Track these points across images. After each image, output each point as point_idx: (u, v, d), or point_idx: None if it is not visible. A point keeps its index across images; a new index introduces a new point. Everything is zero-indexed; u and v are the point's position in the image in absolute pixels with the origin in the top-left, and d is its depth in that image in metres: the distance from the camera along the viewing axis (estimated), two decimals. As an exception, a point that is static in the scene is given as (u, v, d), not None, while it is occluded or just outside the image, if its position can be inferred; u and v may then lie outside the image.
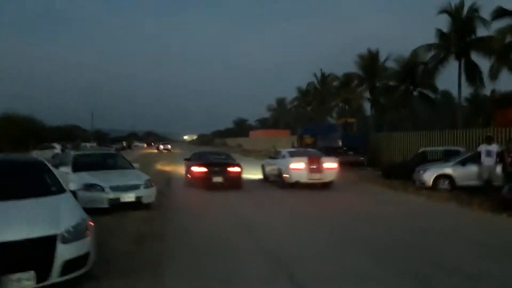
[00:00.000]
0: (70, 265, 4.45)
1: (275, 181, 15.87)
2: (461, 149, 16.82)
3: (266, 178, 17.66)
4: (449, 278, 5.31)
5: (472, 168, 13.11)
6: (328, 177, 14.66)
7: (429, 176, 13.89)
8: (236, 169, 14.81)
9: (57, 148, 29.20)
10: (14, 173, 5.92)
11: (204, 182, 14.23)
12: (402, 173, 16.74)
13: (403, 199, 12.70)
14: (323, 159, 14.88)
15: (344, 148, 24.47)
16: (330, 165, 14.78)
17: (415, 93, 33.97)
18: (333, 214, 10.10)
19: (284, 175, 14.85)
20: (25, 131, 49.01)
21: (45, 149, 31.96)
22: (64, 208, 5.09)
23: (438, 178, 13.75)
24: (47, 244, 4.36)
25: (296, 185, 14.51)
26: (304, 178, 14.36)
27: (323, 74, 51.54)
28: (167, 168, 24.69)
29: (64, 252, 4.42)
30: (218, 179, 14.23)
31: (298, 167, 14.41)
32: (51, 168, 6.23)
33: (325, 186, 14.93)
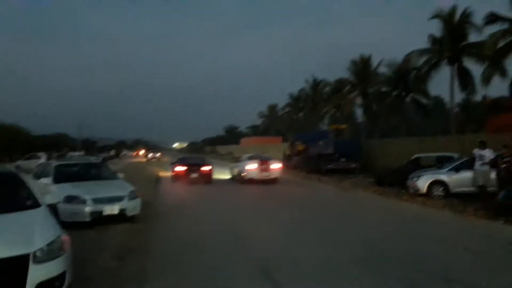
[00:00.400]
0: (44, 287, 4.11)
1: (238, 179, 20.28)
2: (454, 155, 16.60)
3: (232, 177, 22.08)
4: (443, 287, 5.12)
5: (466, 174, 12.90)
6: (273, 174, 19.50)
7: (423, 182, 13.65)
8: (207, 168, 19.98)
9: (42, 157, 28.35)
10: None
11: (184, 177, 19.35)
12: (395, 180, 16.53)
13: (396, 206, 12.48)
14: (271, 161, 19.67)
15: (336, 155, 24.19)
16: (276, 166, 19.74)
17: (407, 99, 33.88)
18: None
19: (242, 174, 19.61)
20: (11, 140, 47.95)
21: (31, 158, 30.96)
22: (38, 224, 4.72)
23: (432, 184, 13.52)
24: (18, 265, 4.01)
25: (251, 181, 18.94)
26: (256, 175, 19.06)
27: (315, 80, 51.44)
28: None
29: (37, 273, 4.07)
30: (194, 175, 19.39)
31: (252, 167, 19.26)
32: (25, 180, 5.82)
33: (273, 181, 19.35)
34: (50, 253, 4.27)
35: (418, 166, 16.51)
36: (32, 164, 21.08)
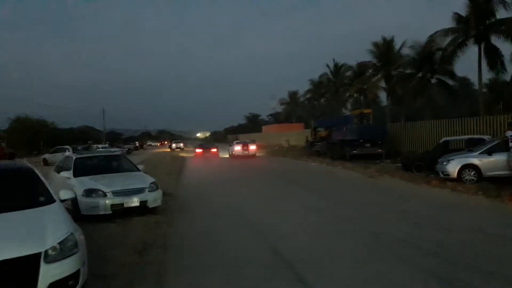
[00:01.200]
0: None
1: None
2: (485, 137, 15.90)
3: (229, 155, 34.83)
4: (486, 283, 4.71)
5: (500, 157, 12.34)
6: (251, 152, 32.70)
7: (453, 167, 13.09)
8: (214, 149, 36.86)
9: (68, 151, 28.56)
10: None
11: (201, 154, 35.79)
12: (423, 165, 16.00)
13: (425, 192, 11.97)
14: (250, 144, 33.28)
15: (361, 140, 23.58)
16: (253, 147, 33.08)
17: (432, 81, 32.80)
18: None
19: (232, 152, 33.54)
20: (38, 134, 49.11)
21: (57, 152, 31.28)
22: (51, 221, 4.53)
23: (463, 169, 12.96)
24: (28, 265, 3.85)
25: (237, 157, 32.18)
26: (240, 153, 32.37)
27: (336, 65, 50.19)
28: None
29: (49, 273, 3.90)
30: (207, 153, 36.12)
31: (237, 148, 32.85)
32: (40, 175, 5.63)
33: (251, 157, 32.35)
34: (62, 251, 4.11)
35: (447, 150, 15.92)
36: (58, 157, 21.16)
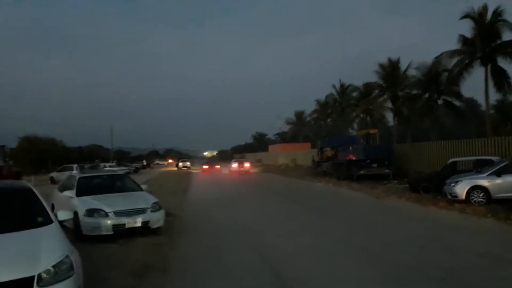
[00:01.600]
0: None
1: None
2: (494, 158, 15.67)
3: (229, 171, 42.84)
4: None
5: (509, 179, 12.11)
6: (246, 169, 41.33)
7: (461, 188, 12.83)
8: (218, 166, 52.21)
9: (75, 169, 28.63)
10: None
11: (207, 170, 47.98)
12: (430, 186, 15.73)
13: (433, 214, 11.72)
14: (245, 163, 43.37)
15: (368, 161, 23.38)
16: (247, 164, 42.74)
17: (439, 102, 32.70)
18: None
19: (230, 169, 43.22)
20: (46, 153, 49.39)
21: (64, 170, 31.37)
22: (46, 243, 4.43)
23: (471, 190, 12.66)
24: None
25: (234, 172, 40.57)
26: (236, 169, 41.39)
27: (342, 85, 50.32)
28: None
29: None
30: (212, 169, 49.39)
31: (234, 165, 42.81)
32: (39, 195, 5.53)
33: (246, 172, 40.68)
34: (57, 274, 3.99)
35: (455, 171, 15.69)
36: (65, 175, 21.22)
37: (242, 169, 41.07)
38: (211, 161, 73.38)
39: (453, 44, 28.37)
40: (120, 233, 8.53)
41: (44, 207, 5.34)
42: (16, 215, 5.15)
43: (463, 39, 27.70)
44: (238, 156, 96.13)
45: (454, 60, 28.50)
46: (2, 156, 18.56)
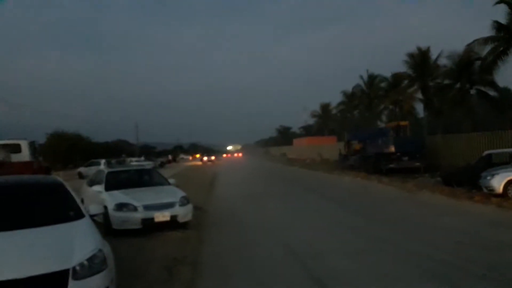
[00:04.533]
0: None
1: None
2: (532, 150, 15.01)
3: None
4: None
5: (549, 171, 11.53)
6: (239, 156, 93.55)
7: (498, 181, 12.32)
8: (239, 154, 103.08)
9: (102, 164, 29.11)
10: (27, 197, 5.31)
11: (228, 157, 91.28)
12: (464, 179, 15.21)
13: (468, 209, 11.27)
14: (238, 153, 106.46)
15: (398, 154, 22.82)
16: (240, 154, 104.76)
17: (472, 91, 31.61)
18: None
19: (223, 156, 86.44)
20: (74, 148, 50.57)
21: (91, 165, 31.97)
22: (79, 237, 4.46)
23: (509, 183, 12.18)
24: (56, 282, 3.76)
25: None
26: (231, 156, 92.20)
27: (370, 76, 49.27)
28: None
29: None
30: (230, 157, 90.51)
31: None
32: (70, 190, 5.57)
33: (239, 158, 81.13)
34: (91, 268, 4.02)
35: (491, 164, 15.09)
36: (93, 170, 21.66)
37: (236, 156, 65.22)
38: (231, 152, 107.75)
39: (485, 32, 27.32)
40: (149, 227, 8.52)
41: (75, 201, 5.38)
42: (48, 209, 5.17)
43: (498, 25, 26.60)
44: (261, 150, 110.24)
45: (488, 48, 27.42)
46: (32, 152, 18.97)
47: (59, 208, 5.20)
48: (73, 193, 5.55)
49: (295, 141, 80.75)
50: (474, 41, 28.19)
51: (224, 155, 66.27)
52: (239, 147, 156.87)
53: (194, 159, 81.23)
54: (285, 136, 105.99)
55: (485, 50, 27.70)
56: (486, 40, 27.36)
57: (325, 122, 70.92)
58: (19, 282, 3.59)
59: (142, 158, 50.81)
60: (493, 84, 30.28)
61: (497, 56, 26.82)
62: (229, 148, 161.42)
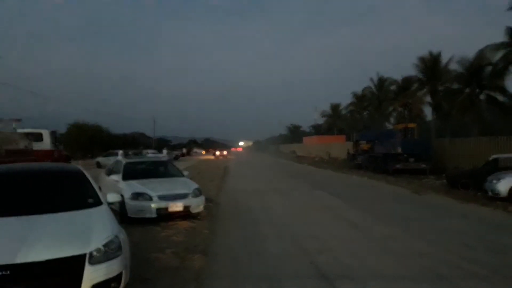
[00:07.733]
0: None
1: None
2: (539, 155, 15.15)
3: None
4: None
5: (555, 177, 11.70)
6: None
7: (504, 185, 12.53)
8: (231, 150, 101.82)
9: (119, 155, 29.91)
10: (48, 183, 5.51)
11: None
12: (470, 182, 15.40)
13: (474, 212, 11.37)
14: (238, 148, 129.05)
15: (405, 155, 23.04)
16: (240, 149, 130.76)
17: (481, 96, 31.61)
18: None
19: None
20: (93, 139, 51.73)
21: (109, 156, 33.05)
22: (97, 223, 4.64)
23: (514, 188, 12.37)
24: (73, 266, 3.92)
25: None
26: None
27: (380, 78, 49.38)
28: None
29: (93, 274, 3.97)
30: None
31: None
32: (89, 178, 5.80)
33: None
34: (107, 253, 4.16)
35: (497, 168, 15.25)
36: (111, 160, 22.23)
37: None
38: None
39: (496, 38, 27.34)
40: (163, 216, 8.89)
41: (94, 189, 5.57)
42: (68, 196, 5.37)
43: (510, 32, 26.62)
44: (272, 147, 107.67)
45: (500, 54, 27.47)
46: (53, 141, 19.53)
47: (78, 195, 5.39)
48: (92, 181, 5.75)
49: (305, 139, 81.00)
50: (486, 46, 28.25)
51: (233, 149, 76.35)
52: (250, 143, 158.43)
53: (207, 153, 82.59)
54: (295, 134, 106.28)
55: (497, 56, 27.77)
56: (498, 46, 27.41)
57: (335, 121, 70.98)
58: (38, 264, 3.73)
59: (165, 150, 52.07)
60: (503, 90, 30.26)
61: (509, 62, 26.87)
62: (241, 144, 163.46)
